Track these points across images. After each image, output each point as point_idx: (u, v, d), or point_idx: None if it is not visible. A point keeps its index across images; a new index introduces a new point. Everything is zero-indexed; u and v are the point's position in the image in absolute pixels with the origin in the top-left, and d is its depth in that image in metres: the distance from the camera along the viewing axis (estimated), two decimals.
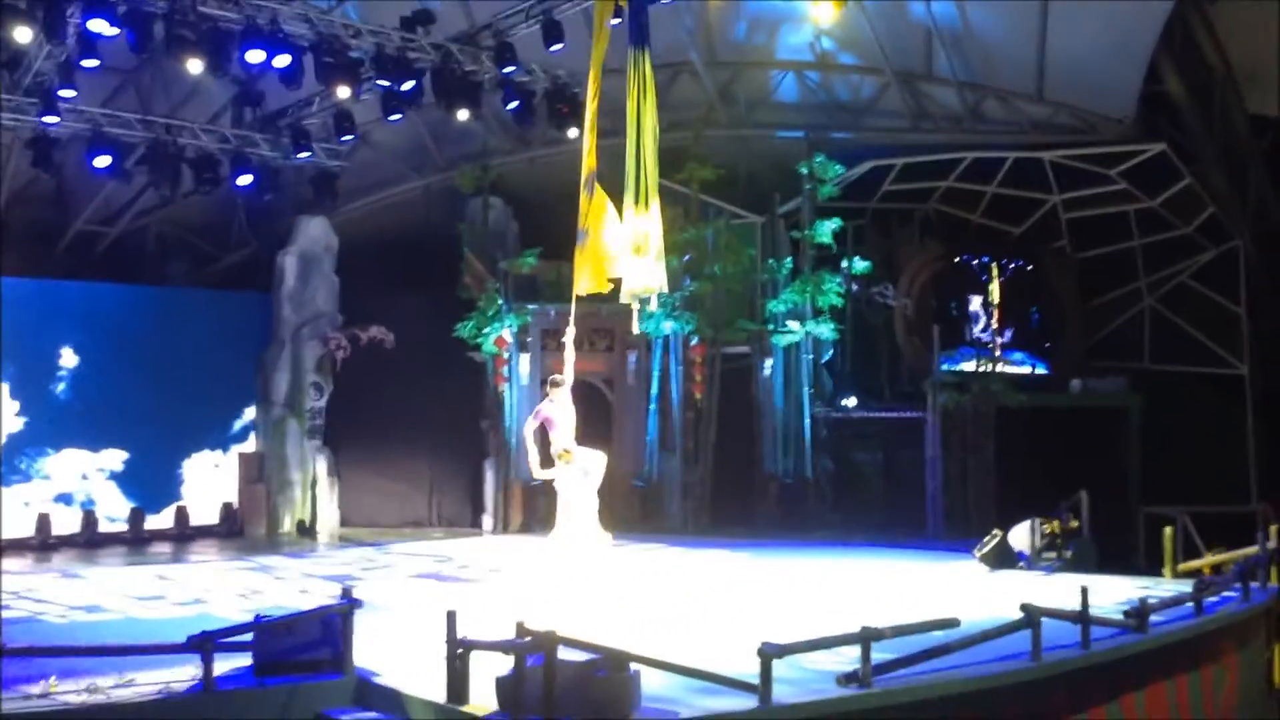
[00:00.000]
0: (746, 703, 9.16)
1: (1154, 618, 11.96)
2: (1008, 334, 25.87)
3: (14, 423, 20.89)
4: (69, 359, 21.56)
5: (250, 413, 23.68)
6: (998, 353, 25.39)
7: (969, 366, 24.83)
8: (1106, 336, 26.31)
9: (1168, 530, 16.06)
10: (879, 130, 24.30)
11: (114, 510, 21.86)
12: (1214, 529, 17.44)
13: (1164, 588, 14.44)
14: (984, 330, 25.60)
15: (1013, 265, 26.10)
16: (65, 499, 21.37)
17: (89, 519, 21.44)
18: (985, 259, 25.96)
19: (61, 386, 21.50)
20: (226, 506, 23.20)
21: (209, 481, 23.15)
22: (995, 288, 25.75)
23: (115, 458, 21.91)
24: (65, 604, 14.60)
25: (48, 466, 21.24)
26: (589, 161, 13.56)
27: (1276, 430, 24.51)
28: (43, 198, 21.41)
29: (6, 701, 9.26)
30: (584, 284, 13.57)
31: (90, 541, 21.04)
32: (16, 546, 20.21)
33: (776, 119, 24.71)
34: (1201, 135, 23.89)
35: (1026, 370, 25.79)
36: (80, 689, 9.62)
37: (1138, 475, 24.31)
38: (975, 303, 25.85)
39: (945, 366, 24.24)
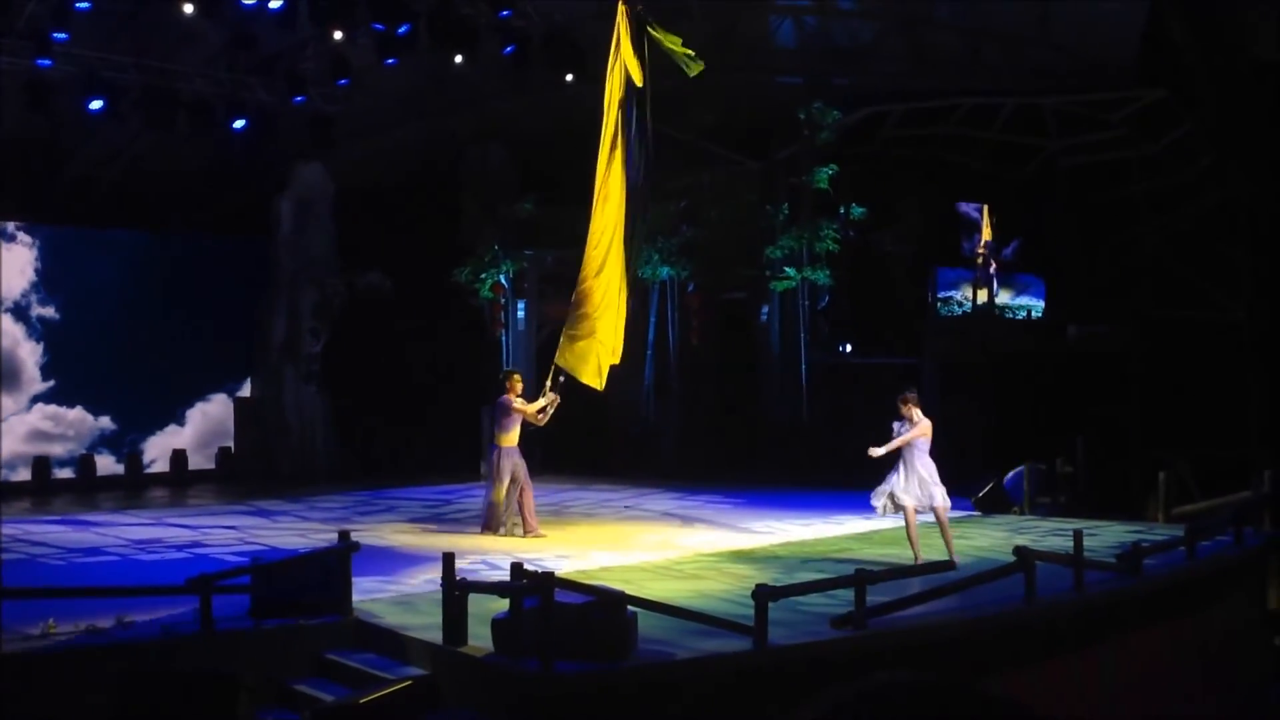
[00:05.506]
0: (742, 644, 9.23)
1: (1146, 561, 12.03)
2: (1010, 250, 25.25)
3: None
4: (64, 303, 21.52)
5: (247, 359, 23.68)
6: (994, 273, 24.86)
7: (966, 293, 24.56)
8: (1107, 283, 26.18)
9: (1161, 475, 16.12)
10: (878, 76, 24.09)
11: (110, 457, 21.92)
12: (1214, 476, 17.49)
13: (1157, 532, 14.51)
14: (984, 245, 25.06)
15: (1012, 211, 25.81)
16: (61, 459, 21.44)
17: (86, 464, 21.49)
18: (985, 205, 25.73)
19: (57, 331, 21.46)
20: (224, 452, 23.25)
21: (206, 427, 23.19)
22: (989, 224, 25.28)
23: (112, 405, 21.92)
24: (63, 546, 14.65)
25: (44, 414, 21.25)
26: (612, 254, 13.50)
27: (1277, 378, 24.45)
28: (38, 143, 21.23)
29: (6, 643, 9.32)
30: (589, 376, 13.79)
31: (88, 486, 21.11)
32: (14, 491, 20.29)
33: (775, 64, 24.51)
34: (1204, 81, 23.71)
35: (1025, 310, 25.55)
36: (80, 630, 9.70)
37: (1138, 422, 24.29)
38: (973, 212, 25.17)
39: (944, 309, 24.15)
